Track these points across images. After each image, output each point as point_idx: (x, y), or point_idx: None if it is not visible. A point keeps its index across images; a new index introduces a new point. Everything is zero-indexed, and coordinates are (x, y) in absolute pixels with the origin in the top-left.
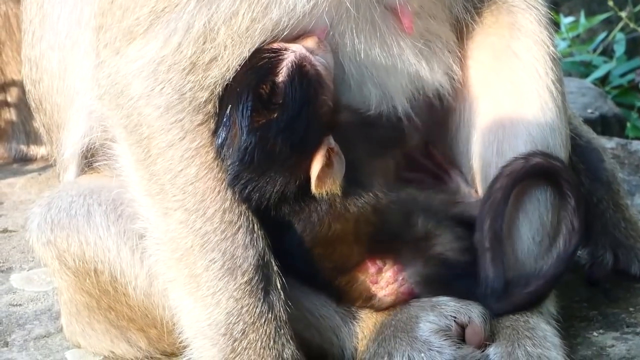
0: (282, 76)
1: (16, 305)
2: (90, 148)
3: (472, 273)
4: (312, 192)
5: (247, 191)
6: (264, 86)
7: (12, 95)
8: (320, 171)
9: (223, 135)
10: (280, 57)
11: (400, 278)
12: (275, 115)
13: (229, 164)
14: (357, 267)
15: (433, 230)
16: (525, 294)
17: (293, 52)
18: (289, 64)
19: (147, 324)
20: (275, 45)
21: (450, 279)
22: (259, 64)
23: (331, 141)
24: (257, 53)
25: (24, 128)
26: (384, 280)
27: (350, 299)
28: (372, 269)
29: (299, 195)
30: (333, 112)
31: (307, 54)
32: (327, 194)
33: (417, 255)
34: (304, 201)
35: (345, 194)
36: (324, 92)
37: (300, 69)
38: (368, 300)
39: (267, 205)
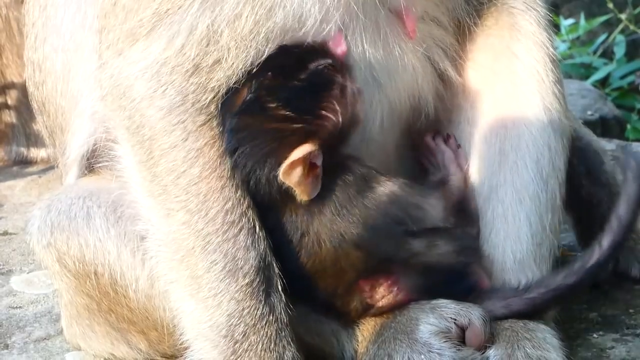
0: (318, 64)
1: (16, 307)
2: (93, 150)
3: (466, 273)
4: (280, 178)
5: (237, 155)
6: (293, 62)
7: (12, 98)
8: (297, 162)
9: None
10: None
11: (395, 289)
12: (289, 83)
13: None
14: (349, 290)
15: (427, 244)
16: (526, 299)
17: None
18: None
19: (148, 326)
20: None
21: (446, 282)
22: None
23: (318, 157)
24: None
25: (24, 131)
26: (379, 294)
27: (347, 315)
28: (365, 287)
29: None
30: (338, 133)
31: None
32: (292, 191)
33: (410, 266)
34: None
35: (319, 228)
36: (342, 99)
37: (330, 69)
38: (365, 312)
39: (255, 186)
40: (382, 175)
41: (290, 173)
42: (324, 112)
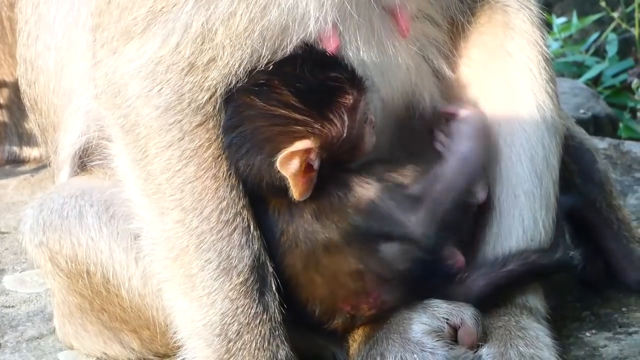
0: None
1: (9, 306)
2: (86, 148)
3: (441, 262)
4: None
5: (235, 133)
6: (315, 62)
7: (4, 97)
8: (296, 154)
9: None
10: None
11: (379, 301)
12: (305, 77)
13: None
14: (330, 311)
15: (399, 253)
16: (505, 272)
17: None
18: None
19: (140, 325)
20: None
21: (424, 278)
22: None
23: (316, 160)
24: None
25: (16, 130)
26: (362, 310)
27: (334, 329)
28: (346, 307)
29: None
30: (339, 146)
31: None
32: (284, 184)
33: (385, 279)
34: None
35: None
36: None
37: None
38: (352, 325)
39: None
40: (368, 183)
41: (288, 163)
42: (331, 115)
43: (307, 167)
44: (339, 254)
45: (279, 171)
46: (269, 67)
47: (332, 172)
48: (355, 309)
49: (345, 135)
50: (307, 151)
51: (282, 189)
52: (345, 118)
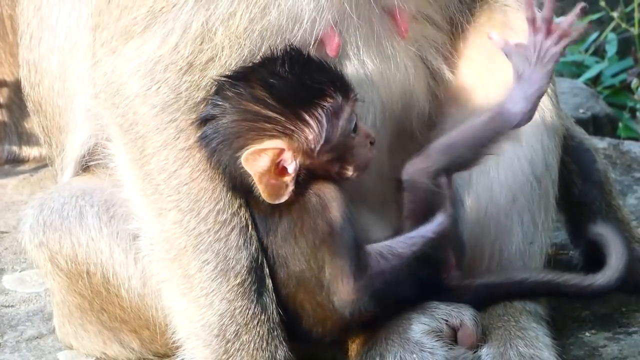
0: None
1: (8, 306)
2: (90, 149)
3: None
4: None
5: (208, 126)
6: (303, 63)
7: (3, 96)
8: (263, 152)
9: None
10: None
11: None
12: (286, 75)
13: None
14: (321, 323)
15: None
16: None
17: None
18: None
19: (140, 325)
20: None
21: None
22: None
23: (291, 164)
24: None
25: (16, 129)
26: (356, 330)
27: (328, 339)
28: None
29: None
30: (318, 153)
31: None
32: (251, 183)
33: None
34: None
35: None
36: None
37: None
38: (347, 334)
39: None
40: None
41: (253, 160)
42: (306, 116)
43: (280, 170)
44: (308, 283)
45: (242, 167)
46: (252, 62)
47: (319, 184)
48: (344, 326)
49: (323, 141)
50: (279, 152)
51: (249, 189)
52: (324, 122)
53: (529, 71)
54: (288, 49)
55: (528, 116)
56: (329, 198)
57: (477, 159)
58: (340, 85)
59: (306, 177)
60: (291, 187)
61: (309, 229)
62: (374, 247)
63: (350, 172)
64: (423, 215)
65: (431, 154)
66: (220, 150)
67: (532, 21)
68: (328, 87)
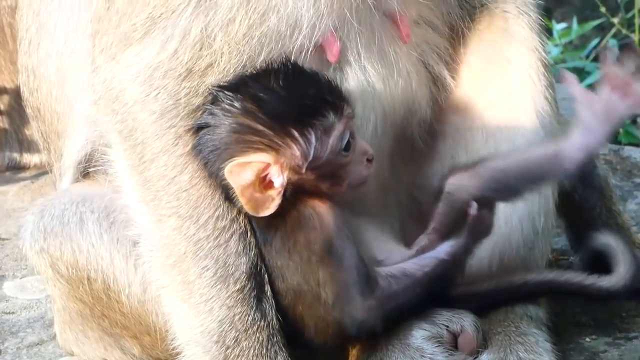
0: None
1: (9, 313)
2: (88, 155)
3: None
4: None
5: (202, 133)
6: (301, 79)
7: (4, 103)
8: (247, 165)
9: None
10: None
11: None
12: (279, 89)
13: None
14: (323, 332)
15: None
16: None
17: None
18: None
19: (141, 331)
20: None
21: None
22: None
23: (278, 177)
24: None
25: (16, 136)
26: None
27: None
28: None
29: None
30: (307, 170)
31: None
32: (233, 194)
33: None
34: None
35: None
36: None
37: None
38: (349, 342)
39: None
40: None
41: (236, 172)
42: (295, 132)
43: (267, 183)
44: (306, 297)
45: (225, 179)
46: (246, 74)
47: (312, 199)
48: (346, 336)
49: (311, 158)
50: (265, 166)
51: (232, 200)
52: (312, 139)
53: (594, 124)
54: (284, 62)
55: (577, 167)
56: (323, 214)
57: (520, 193)
58: (334, 102)
59: (296, 191)
60: (277, 201)
61: (303, 245)
62: (385, 269)
63: (342, 189)
64: (449, 231)
65: (481, 173)
66: (210, 160)
67: (608, 77)
68: (320, 104)
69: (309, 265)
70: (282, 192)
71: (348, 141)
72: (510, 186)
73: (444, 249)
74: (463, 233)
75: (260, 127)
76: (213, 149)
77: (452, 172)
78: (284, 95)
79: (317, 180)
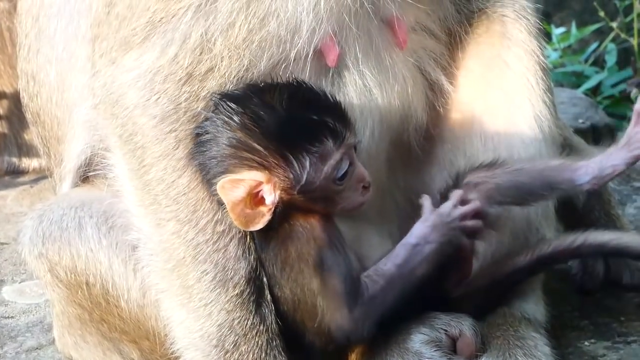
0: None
1: (8, 317)
2: (88, 159)
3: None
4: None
5: (199, 140)
6: (306, 100)
7: (3, 108)
8: (240, 182)
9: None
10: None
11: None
12: (281, 110)
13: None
14: (323, 336)
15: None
16: None
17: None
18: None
19: (140, 336)
20: None
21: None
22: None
23: (270, 195)
24: None
25: (15, 141)
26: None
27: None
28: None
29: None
30: (300, 191)
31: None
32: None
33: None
34: None
35: None
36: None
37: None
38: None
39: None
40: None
41: (228, 189)
42: (290, 155)
43: (258, 199)
44: (304, 306)
45: (216, 193)
46: (255, 85)
47: (305, 214)
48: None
49: (304, 182)
50: (257, 184)
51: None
52: (306, 165)
53: (614, 149)
54: (292, 81)
55: (592, 184)
56: (314, 227)
57: (531, 198)
58: (336, 129)
59: (289, 208)
60: (268, 217)
61: (294, 257)
62: (365, 274)
63: (335, 211)
64: None
65: (497, 171)
66: (204, 169)
67: (638, 114)
68: (320, 130)
69: (302, 275)
70: (273, 209)
71: (345, 170)
72: (523, 185)
73: (407, 237)
74: (422, 219)
75: (255, 145)
76: (208, 158)
77: (471, 171)
78: (285, 116)
79: (309, 202)
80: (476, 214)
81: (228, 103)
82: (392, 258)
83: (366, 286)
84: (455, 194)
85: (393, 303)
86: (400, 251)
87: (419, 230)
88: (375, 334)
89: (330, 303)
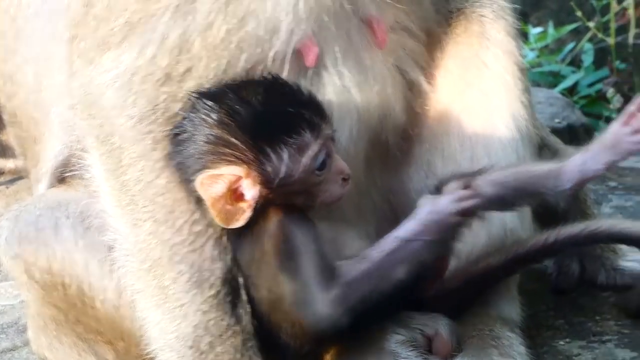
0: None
1: None
2: (65, 160)
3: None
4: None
5: (178, 140)
6: (281, 94)
7: None
8: (219, 178)
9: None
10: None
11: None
12: (258, 104)
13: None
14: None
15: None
16: None
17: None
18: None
19: (115, 337)
20: None
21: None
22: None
23: (250, 190)
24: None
25: None
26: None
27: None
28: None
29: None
30: (278, 185)
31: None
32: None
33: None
34: None
35: None
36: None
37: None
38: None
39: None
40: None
41: (208, 185)
42: (267, 148)
43: (238, 195)
44: (280, 304)
45: (195, 191)
46: (232, 82)
47: (282, 209)
48: (321, 340)
49: (282, 175)
50: (236, 179)
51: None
52: (284, 157)
53: (598, 149)
54: (267, 76)
55: (573, 187)
56: (287, 219)
57: (515, 204)
58: (313, 121)
59: (268, 203)
60: (248, 213)
61: (268, 253)
62: (343, 261)
63: (314, 205)
64: None
65: (479, 182)
66: (182, 168)
67: (626, 113)
68: (297, 122)
69: (273, 271)
70: (254, 204)
71: (323, 161)
72: (507, 195)
73: (397, 230)
74: (416, 212)
75: (233, 140)
76: (186, 157)
77: (452, 178)
78: (261, 110)
79: (289, 196)
80: (471, 212)
81: (205, 101)
82: (378, 247)
83: (347, 269)
84: (457, 192)
85: (370, 293)
86: (388, 242)
87: (412, 225)
88: (350, 335)
89: (304, 291)
